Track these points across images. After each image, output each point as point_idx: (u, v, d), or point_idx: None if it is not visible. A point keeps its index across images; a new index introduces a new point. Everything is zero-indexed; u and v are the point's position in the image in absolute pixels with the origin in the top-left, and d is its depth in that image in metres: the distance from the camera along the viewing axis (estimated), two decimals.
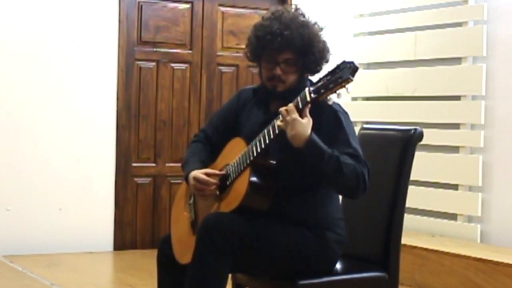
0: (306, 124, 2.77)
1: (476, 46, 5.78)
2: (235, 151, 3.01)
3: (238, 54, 6.44)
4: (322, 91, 2.72)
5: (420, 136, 3.18)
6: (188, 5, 6.39)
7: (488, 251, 5.16)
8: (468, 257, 4.97)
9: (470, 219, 5.81)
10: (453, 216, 5.88)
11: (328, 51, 3.02)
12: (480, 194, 5.70)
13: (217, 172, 3.04)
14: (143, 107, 6.25)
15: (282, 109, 2.79)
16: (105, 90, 6.09)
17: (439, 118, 5.98)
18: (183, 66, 6.39)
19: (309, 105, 2.77)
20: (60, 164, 5.91)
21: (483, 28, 5.75)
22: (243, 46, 3.35)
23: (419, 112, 6.10)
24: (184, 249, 3.03)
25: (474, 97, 5.83)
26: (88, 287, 4.97)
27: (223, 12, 6.52)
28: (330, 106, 2.87)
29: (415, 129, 3.18)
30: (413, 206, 5.93)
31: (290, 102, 2.80)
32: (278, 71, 2.97)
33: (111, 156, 6.12)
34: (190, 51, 6.42)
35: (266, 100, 3.08)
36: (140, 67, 6.23)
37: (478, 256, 4.94)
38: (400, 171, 3.15)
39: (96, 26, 6.05)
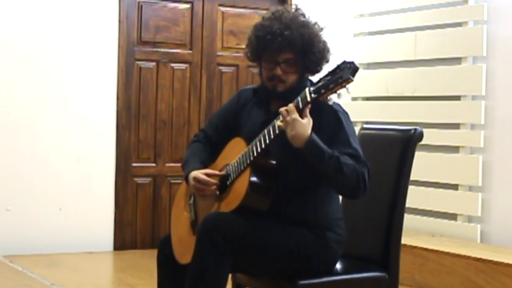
0: (306, 124, 2.77)
1: (476, 46, 5.78)
2: (235, 151, 3.01)
3: (238, 54, 6.44)
4: (323, 91, 2.72)
5: (420, 136, 3.18)
6: (188, 5, 6.39)
7: (488, 251, 5.16)
8: (468, 257, 4.97)
9: (470, 219, 5.81)
10: (453, 216, 5.88)
11: (328, 51, 3.02)
12: (480, 194, 5.70)
13: (217, 172, 3.03)
14: (143, 107, 6.25)
15: (282, 109, 2.79)
16: (105, 90, 6.09)
17: (439, 118, 5.98)
18: (183, 66, 6.39)
19: (309, 105, 2.77)
20: (60, 164, 5.91)
21: (483, 28, 5.75)
22: (243, 46, 3.36)
23: (419, 112, 6.10)
24: (184, 249, 3.03)
25: (474, 97, 5.83)
26: (88, 287, 4.97)
27: (223, 12, 6.52)
28: (331, 106, 2.87)
29: (415, 129, 3.18)
30: (413, 206, 5.93)
31: (290, 102, 2.80)
32: (278, 71, 2.97)
33: (111, 156, 6.12)
34: (190, 51, 6.42)
35: (266, 100, 3.08)
36: (140, 67, 6.23)
37: (478, 256, 4.94)
38: (400, 171, 3.15)
39: (96, 26, 6.05)
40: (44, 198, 5.85)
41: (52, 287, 4.80)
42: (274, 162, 2.95)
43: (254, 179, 2.90)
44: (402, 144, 3.17)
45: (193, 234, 3.05)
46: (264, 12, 3.73)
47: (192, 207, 3.14)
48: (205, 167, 3.09)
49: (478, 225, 5.69)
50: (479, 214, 5.69)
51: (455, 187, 5.88)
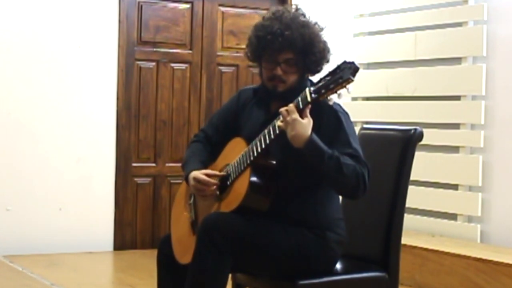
0: (306, 124, 2.77)
1: (476, 46, 5.78)
2: (235, 151, 3.01)
3: (238, 54, 6.44)
4: (323, 91, 2.72)
5: (420, 136, 3.18)
6: (188, 5, 6.39)
7: (488, 251, 5.16)
8: (468, 257, 4.97)
9: (470, 219, 5.81)
10: (453, 216, 5.88)
11: (328, 51, 3.02)
12: (480, 194, 5.70)
13: (217, 172, 3.03)
14: (143, 107, 6.25)
15: (283, 109, 2.79)
16: (105, 90, 6.09)
17: (439, 118, 5.98)
18: (183, 66, 6.39)
19: (310, 106, 2.77)
20: (60, 164, 5.91)
21: (483, 28, 5.75)
22: (243, 46, 3.35)
23: (419, 112, 6.10)
24: (184, 249, 3.03)
25: (474, 97, 5.83)
26: (88, 287, 4.97)
27: (223, 12, 6.52)
28: (331, 106, 2.87)
29: (415, 129, 3.18)
30: (413, 206, 5.93)
31: (291, 102, 2.80)
32: (278, 71, 2.97)
33: (111, 156, 6.12)
34: (190, 51, 6.42)
35: (266, 100, 3.08)
36: (140, 67, 6.23)
37: (478, 256, 4.94)
38: (400, 171, 3.15)
39: (96, 26, 6.05)
40: (44, 198, 5.85)
41: (52, 287, 4.80)
42: (274, 162, 2.95)
43: (254, 179, 2.89)
44: (402, 144, 3.17)
45: (193, 234, 3.05)
46: (264, 12, 3.73)
47: (192, 207, 3.14)
48: (205, 167, 3.09)
49: (478, 225, 5.70)
50: (479, 214, 5.69)
51: (455, 187, 5.88)
